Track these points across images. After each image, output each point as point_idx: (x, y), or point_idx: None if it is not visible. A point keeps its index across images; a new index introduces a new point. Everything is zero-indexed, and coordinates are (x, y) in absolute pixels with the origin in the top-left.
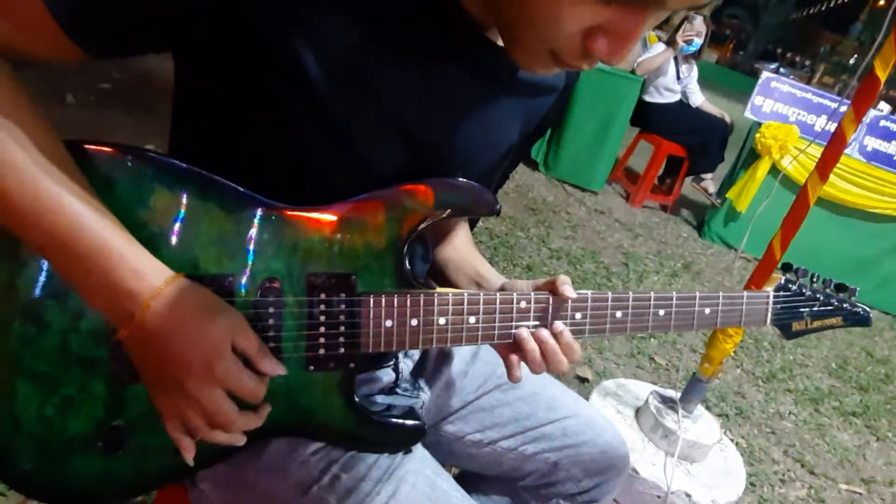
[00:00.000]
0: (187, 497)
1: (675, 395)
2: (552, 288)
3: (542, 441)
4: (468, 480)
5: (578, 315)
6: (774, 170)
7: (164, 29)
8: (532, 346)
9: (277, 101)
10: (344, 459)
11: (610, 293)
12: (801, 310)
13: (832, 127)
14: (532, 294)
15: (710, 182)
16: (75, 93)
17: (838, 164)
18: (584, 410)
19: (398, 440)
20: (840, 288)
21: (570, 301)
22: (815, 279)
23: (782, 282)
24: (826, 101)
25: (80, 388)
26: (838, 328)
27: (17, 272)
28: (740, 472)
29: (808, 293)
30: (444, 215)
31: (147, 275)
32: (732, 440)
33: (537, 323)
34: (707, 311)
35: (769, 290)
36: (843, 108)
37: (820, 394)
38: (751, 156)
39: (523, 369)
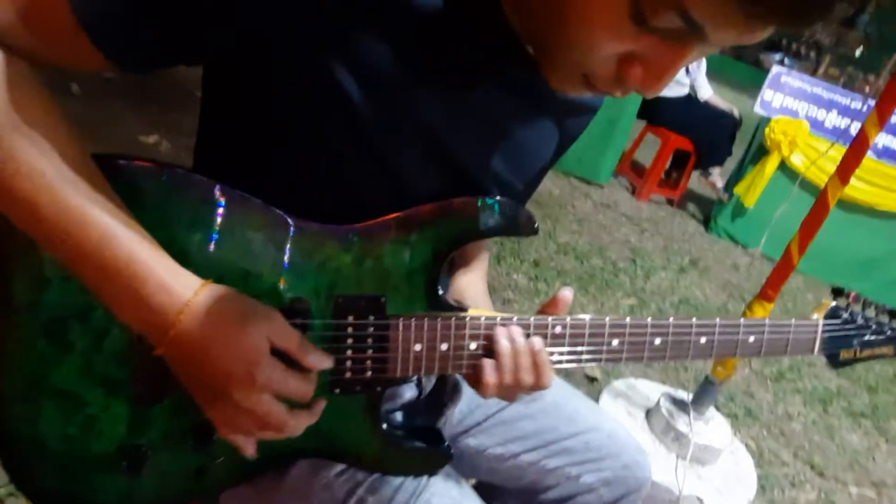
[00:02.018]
0: None
1: (686, 397)
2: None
3: (564, 455)
4: (487, 492)
5: (615, 342)
6: (783, 165)
7: (199, 45)
8: (505, 349)
9: (313, 121)
10: (369, 482)
11: (650, 319)
12: (852, 339)
13: (843, 123)
14: (568, 318)
15: (718, 176)
16: (80, 83)
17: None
18: (606, 424)
19: (424, 464)
20: (894, 314)
21: (607, 327)
22: (867, 305)
23: (832, 308)
24: (837, 97)
25: (103, 409)
26: (890, 357)
27: (40, 292)
28: (751, 476)
29: (860, 321)
30: (482, 236)
31: (176, 288)
32: (742, 441)
33: (571, 349)
34: (751, 339)
35: (818, 317)
36: (856, 105)
37: (829, 394)
38: (759, 151)
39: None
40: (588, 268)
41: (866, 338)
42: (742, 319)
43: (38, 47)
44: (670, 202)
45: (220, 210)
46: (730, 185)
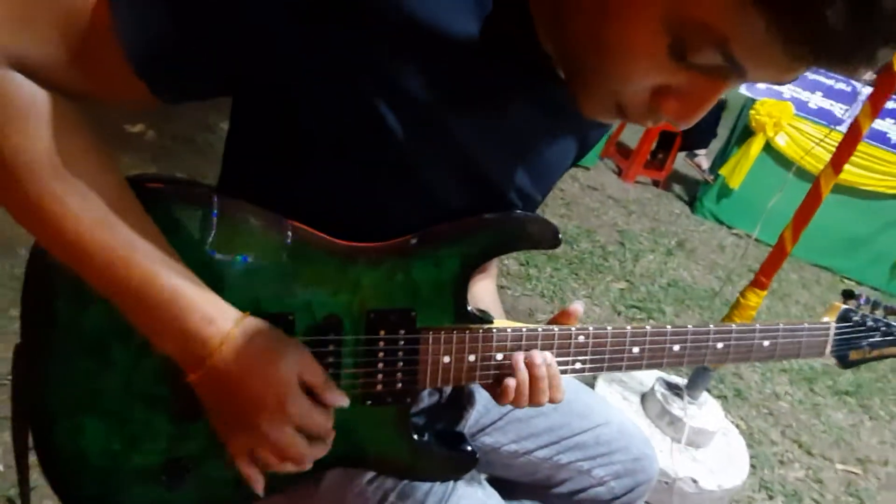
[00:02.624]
0: None
1: (681, 382)
2: (564, 314)
3: (576, 450)
4: (501, 487)
5: (636, 349)
6: (768, 147)
7: (241, 77)
8: (523, 374)
9: (351, 147)
10: (400, 488)
11: (669, 326)
12: (861, 340)
13: (827, 105)
14: (591, 328)
15: (704, 158)
16: None
17: (836, 143)
18: (616, 418)
19: (453, 468)
20: None
21: (628, 336)
22: (876, 306)
23: (843, 311)
24: (822, 79)
25: (144, 425)
26: None
27: (82, 314)
28: (743, 457)
29: (871, 323)
30: (509, 250)
31: (216, 320)
32: (732, 422)
33: (594, 357)
34: (766, 343)
35: (830, 320)
36: (841, 86)
37: (814, 373)
38: (744, 132)
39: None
40: (578, 252)
41: (876, 339)
42: (757, 324)
43: (84, 84)
44: (656, 183)
45: (253, 230)
46: (715, 166)
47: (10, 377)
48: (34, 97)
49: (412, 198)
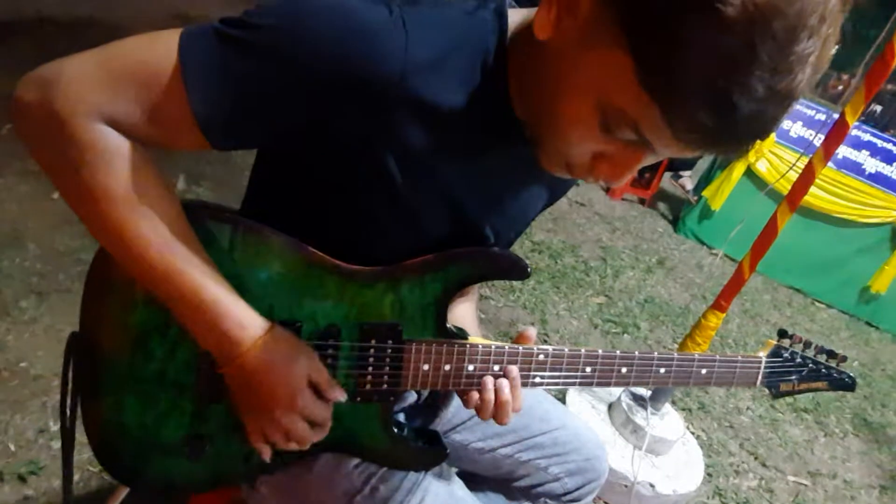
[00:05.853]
0: None
1: (645, 393)
2: (521, 337)
3: (535, 449)
4: (468, 479)
5: (588, 369)
6: (749, 171)
7: (283, 137)
8: (489, 395)
9: (359, 189)
10: (381, 473)
11: (618, 351)
12: (791, 374)
13: (807, 134)
14: (550, 348)
15: (688, 179)
16: None
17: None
18: (571, 423)
19: (425, 461)
20: (831, 355)
21: (582, 357)
22: (808, 345)
23: (775, 348)
24: (802, 108)
25: (172, 405)
26: (823, 391)
27: (130, 313)
28: (699, 465)
29: (799, 360)
30: (484, 279)
31: (249, 328)
32: (693, 433)
33: (551, 374)
34: (703, 371)
35: (762, 356)
36: (820, 116)
37: None
38: (727, 157)
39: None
40: (561, 266)
41: (804, 374)
42: (696, 354)
43: (157, 136)
44: (642, 202)
45: (273, 251)
46: (699, 187)
47: (22, 364)
48: (119, 146)
49: (405, 230)
